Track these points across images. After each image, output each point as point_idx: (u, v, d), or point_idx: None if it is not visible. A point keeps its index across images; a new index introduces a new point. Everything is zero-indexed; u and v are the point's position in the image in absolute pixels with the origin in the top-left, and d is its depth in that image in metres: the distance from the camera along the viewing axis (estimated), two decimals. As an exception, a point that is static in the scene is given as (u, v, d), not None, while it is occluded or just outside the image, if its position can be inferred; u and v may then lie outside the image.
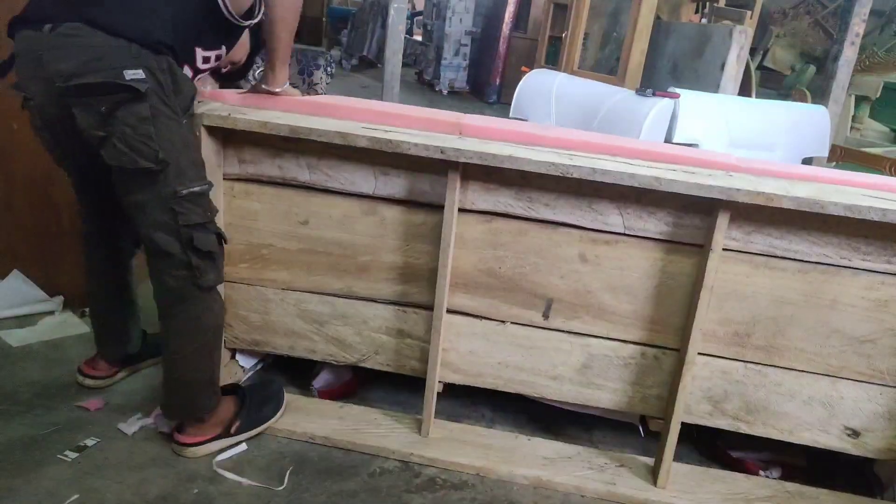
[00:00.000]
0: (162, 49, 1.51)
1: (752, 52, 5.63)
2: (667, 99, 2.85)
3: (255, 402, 1.86)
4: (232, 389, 1.89)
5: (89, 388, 1.98)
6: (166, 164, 1.53)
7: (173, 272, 1.61)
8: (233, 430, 1.80)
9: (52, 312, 2.35)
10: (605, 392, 1.88)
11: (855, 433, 1.80)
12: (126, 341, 2.02)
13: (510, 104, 3.77)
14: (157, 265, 1.62)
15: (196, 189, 1.58)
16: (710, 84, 3.90)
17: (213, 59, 1.70)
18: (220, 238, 1.64)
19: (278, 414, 1.88)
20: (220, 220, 1.86)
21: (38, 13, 1.51)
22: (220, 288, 1.74)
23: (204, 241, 1.59)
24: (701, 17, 5.47)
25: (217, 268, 1.64)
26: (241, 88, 2.06)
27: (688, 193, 1.59)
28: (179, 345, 1.68)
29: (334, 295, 1.92)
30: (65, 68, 1.46)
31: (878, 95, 5.05)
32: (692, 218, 1.70)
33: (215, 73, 1.97)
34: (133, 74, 1.46)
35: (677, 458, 1.84)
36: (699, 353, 1.76)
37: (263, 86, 1.83)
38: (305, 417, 1.93)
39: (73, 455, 1.72)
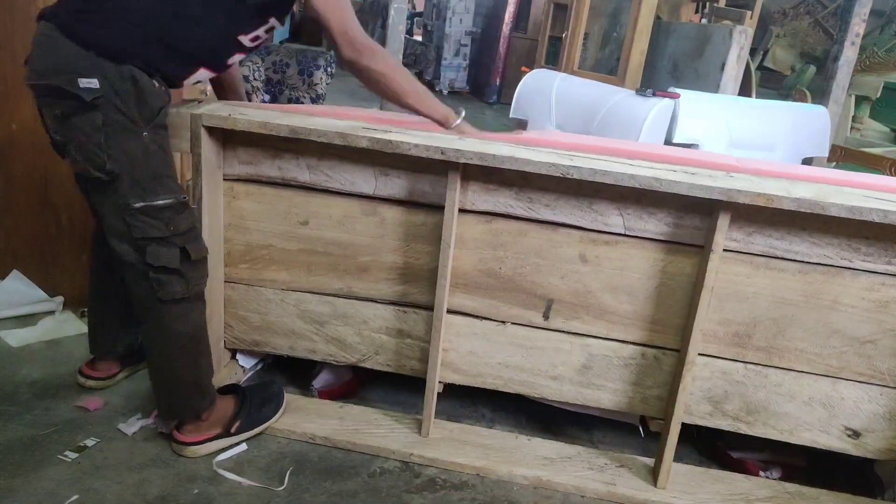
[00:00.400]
0: (126, 58, 1.48)
1: (753, 52, 5.63)
2: (667, 99, 2.85)
3: (255, 403, 1.85)
4: (232, 389, 1.89)
5: (91, 388, 1.98)
6: (116, 176, 1.52)
7: (137, 281, 1.61)
8: (233, 429, 1.80)
9: (52, 312, 2.34)
10: (606, 392, 1.88)
11: (855, 434, 1.80)
12: (122, 341, 2.01)
13: (510, 104, 3.76)
14: (123, 273, 1.63)
15: (157, 203, 1.55)
16: (710, 84, 3.90)
17: (262, 34, 1.67)
18: (186, 252, 1.60)
19: (278, 414, 1.88)
20: (220, 221, 1.87)
21: (50, 8, 1.54)
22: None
23: (157, 254, 1.56)
24: (701, 17, 5.47)
25: (185, 280, 1.61)
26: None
27: (688, 194, 1.59)
28: (153, 350, 1.70)
29: (334, 295, 1.92)
30: (37, 67, 1.50)
31: (878, 95, 5.05)
32: (692, 218, 1.70)
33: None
34: (87, 83, 1.45)
35: (677, 458, 1.84)
36: (699, 354, 1.76)
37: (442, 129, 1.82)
38: (305, 417, 1.93)
39: (73, 455, 1.72)
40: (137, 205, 1.54)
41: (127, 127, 1.51)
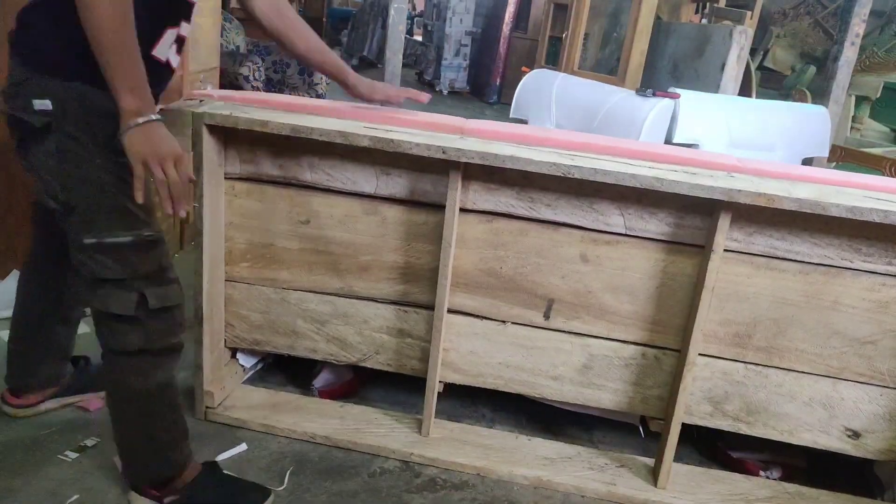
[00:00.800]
0: (72, 74, 1.30)
1: (753, 52, 5.63)
2: (667, 99, 2.85)
3: (212, 494, 1.59)
4: (211, 466, 1.68)
5: (11, 416, 1.83)
6: (70, 207, 1.35)
7: (98, 325, 1.44)
8: (167, 501, 1.56)
9: (52, 312, 2.34)
10: (606, 392, 1.88)
11: (855, 434, 1.80)
12: (42, 372, 1.82)
13: (510, 104, 3.77)
14: (92, 312, 1.46)
15: (110, 240, 1.35)
16: (710, 84, 3.90)
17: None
18: (143, 300, 1.38)
19: None
20: (221, 219, 1.86)
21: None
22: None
23: (107, 299, 1.38)
24: (701, 18, 5.47)
25: (144, 330, 1.41)
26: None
27: (689, 194, 1.59)
28: (113, 407, 1.52)
29: (335, 294, 1.92)
30: (5, 83, 1.37)
31: (878, 96, 5.05)
32: (693, 219, 1.70)
33: None
34: (40, 105, 1.30)
35: (677, 458, 1.84)
36: (700, 354, 1.76)
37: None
38: (306, 417, 1.93)
39: (73, 455, 1.72)
40: (89, 241, 1.36)
41: (80, 153, 1.32)
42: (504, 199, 1.76)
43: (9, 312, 2.27)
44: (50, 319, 1.77)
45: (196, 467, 1.60)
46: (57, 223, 1.44)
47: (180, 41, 1.47)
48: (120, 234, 1.36)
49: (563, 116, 3.38)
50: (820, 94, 4.16)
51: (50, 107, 1.30)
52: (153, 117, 1.27)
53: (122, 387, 1.48)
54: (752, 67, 4.50)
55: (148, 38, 1.34)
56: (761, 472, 1.93)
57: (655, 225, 1.73)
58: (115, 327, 1.41)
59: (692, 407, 1.83)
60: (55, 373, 1.85)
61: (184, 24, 1.44)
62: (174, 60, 1.46)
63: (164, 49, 1.41)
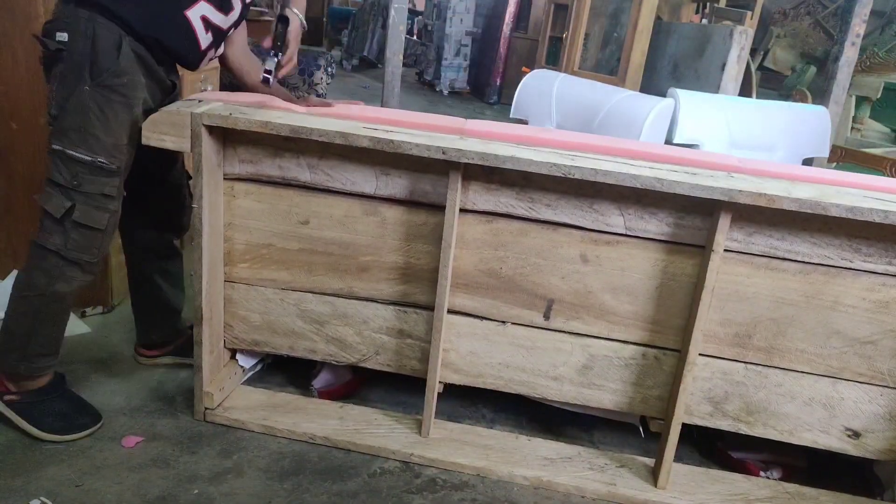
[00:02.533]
0: (99, 16, 1.59)
1: (753, 52, 5.62)
2: (667, 99, 2.85)
3: (51, 405, 1.79)
4: (60, 379, 1.87)
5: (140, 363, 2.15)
6: (55, 119, 1.62)
7: (41, 219, 1.67)
8: (7, 398, 1.77)
9: (52, 312, 2.34)
10: (606, 393, 1.88)
11: (855, 434, 1.80)
12: (156, 331, 2.14)
13: (510, 104, 3.76)
14: None
15: (72, 153, 1.61)
16: (710, 85, 3.90)
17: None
18: (70, 211, 1.63)
19: (53, 436, 1.76)
20: (220, 220, 1.86)
21: None
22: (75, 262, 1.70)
23: (47, 197, 1.63)
24: (701, 18, 5.47)
25: (64, 236, 1.64)
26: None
27: (689, 194, 1.59)
28: (13, 287, 1.73)
29: (335, 295, 1.92)
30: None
31: (878, 96, 5.05)
32: (693, 219, 1.70)
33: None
34: (60, 37, 1.59)
35: (678, 458, 1.84)
36: (700, 354, 1.76)
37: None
38: (305, 417, 1.93)
39: (73, 455, 1.71)
40: (55, 147, 1.62)
41: (76, 79, 1.59)
42: (504, 200, 1.76)
43: (8, 313, 2.28)
44: (149, 274, 2.07)
45: (47, 377, 1.81)
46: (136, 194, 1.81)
47: (214, 29, 1.77)
48: (81, 151, 1.62)
49: (564, 117, 3.38)
50: (820, 94, 4.15)
51: (66, 39, 1.58)
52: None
53: (28, 276, 1.69)
54: (753, 68, 4.50)
55: None
56: (761, 473, 1.93)
57: (655, 225, 1.73)
58: (45, 224, 1.65)
59: (692, 407, 1.83)
60: (168, 330, 2.15)
61: (208, 7, 1.73)
62: (203, 41, 1.77)
63: (197, 19, 1.72)
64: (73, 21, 1.58)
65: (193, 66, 1.82)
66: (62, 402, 1.81)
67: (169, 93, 1.83)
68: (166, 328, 2.15)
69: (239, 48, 2.00)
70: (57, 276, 1.67)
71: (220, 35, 1.81)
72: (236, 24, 1.87)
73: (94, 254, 1.70)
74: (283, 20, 1.79)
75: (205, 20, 1.73)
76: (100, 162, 1.63)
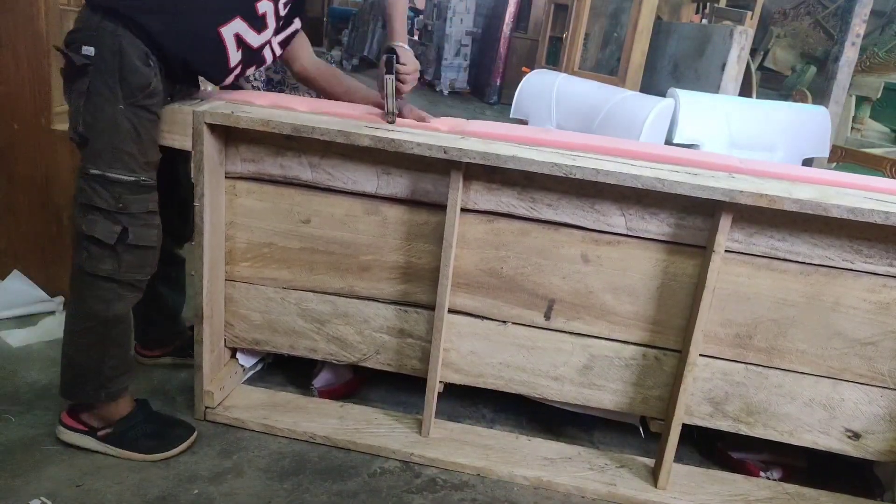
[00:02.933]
0: (125, 29, 1.54)
1: (753, 52, 5.62)
2: (667, 99, 2.85)
3: (142, 429, 1.77)
4: (142, 403, 1.83)
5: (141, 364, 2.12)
6: (85, 140, 1.57)
7: (76, 247, 1.63)
8: (100, 433, 1.74)
9: (52, 313, 2.34)
10: (606, 393, 1.88)
11: (855, 435, 1.80)
12: (151, 332, 2.11)
13: (511, 104, 3.76)
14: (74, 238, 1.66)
15: (110, 175, 1.57)
16: (710, 85, 3.90)
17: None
18: (126, 233, 1.59)
19: (154, 456, 1.74)
20: (222, 218, 1.86)
21: None
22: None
23: (94, 224, 1.58)
24: (701, 18, 5.47)
25: (117, 260, 1.60)
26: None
27: (690, 195, 1.59)
28: (67, 321, 1.70)
29: (335, 294, 1.91)
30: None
31: (878, 96, 5.05)
32: (694, 219, 1.70)
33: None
34: (86, 51, 1.53)
35: (678, 459, 1.84)
36: (700, 355, 1.76)
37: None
38: (306, 417, 1.93)
39: (73, 455, 1.71)
40: (92, 171, 1.57)
41: (106, 97, 1.55)
42: (505, 200, 1.76)
43: (9, 313, 2.29)
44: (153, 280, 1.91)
45: (130, 403, 1.78)
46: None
47: (245, 47, 1.72)
48: (119, 171, 1.57)
49: (564, 117, 3.38)
50: (820, 94, 4.15)
51: (93, 53, 1.53)
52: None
53: (84, 306, 1.65)
54: (753, 67, 4.50)
55: (216, 12, 1.64)
56: (761, 473, 1.93)
57: (656, 225, 1.73)
58: (92, 251, 1.59)
59: (692, 407, 1.83)
60: (168, 331, 2.15)
61: (243, 25, 1.68)
62: (233, 59, 1.72)
63: (230, 36, 1.67)
64: (100, 34, 1.53)
65: (219, 82, 1.80)
66: (152, 423, 1.79)
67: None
68: (166, 329, 2.15)
69: (308, 61, 2.03)
70: (113, 300, 1.64)
71: (250, 53, 1.76)
72: (284, 42, 1.89)
73: (146, 272, 1.68)
74: (390, 50, 1.78)
75: (238, 38, 1.69)
76: (142, 181, 1.61)
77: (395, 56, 1.77)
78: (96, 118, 1.55)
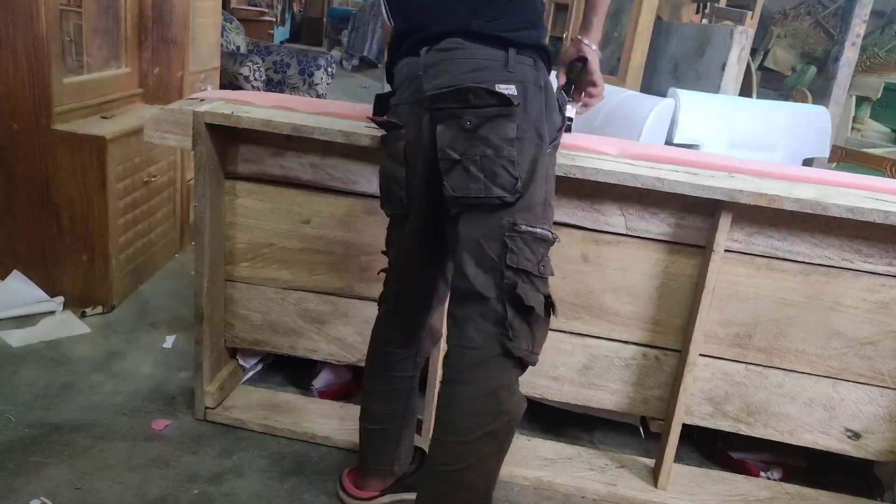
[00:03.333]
0: (538, 60, 1.33)
1: (753, 52, 5.62)
2: (667, 99, 2.85)
3: None
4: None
5: None
6: (520, 196, 1.27)
7: (481, 322, 1.28)
8: None
9: (52, 313, 2.34)
10: (606, 393, 1.88)
11: (855, 435, 1.80)
12: (399, 458, 1.66)
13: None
14: (464, 312, 1.30)
15: (537, 230, 1.29)
16: (710, 85, 3.90)
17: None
18: (549, 306, 1.30)
19: None
20: (222, 219, 1.86)
21: (416, 42, 1.36)
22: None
23: (527, 292, 1.26)
24: (702, 18, 5.46)
25: (533, 338, 1.29)
26: None
27: (691, 194, 1.59)
28: (463, 425, 1.29)
29: (335, 294, 1.92)
30: (440, 82, 1.29)
31: (879, 96, 5.05)
32: (694, 219, 1.70)
33: None
34: (506, 89, 1.26)
35: (678, 459, 1.84)
36: (700, 355, 1.76)
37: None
38: (306, 417, 1.93)
39: (73, 455, 1.71)
40: (523, 227, 1.27)
41: (536, 142, 1.29)
42: (505, 200, 1.76)
43: (9, 313, 2.29)
44: (409, 389, 1.61)
45: None
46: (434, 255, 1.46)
47: None
48: (544, 227, 1.31)
49: (564, 117, 3.37)
50: (820, 94, 4.16)
51: (515, 91, 1.26)
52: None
53: (490, 402, 1.28)
54: (753, 68, 4.51)
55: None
56: (761, 473, 1.93)
57: (656, 225, 1.73)
58: (516, 324, 1.27)
59: (692, 407, 1.83)
60: (402, 454, 1.67)
61: None
62: None
63: None
64: (515, 70, 1.29)
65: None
66: None
67: None
68: (404, 447, 1.68)
69: None
70: (515, 389, 1.32)
71: None
72: None
73: (540, 348, 1.34)
74: (583, 59, 1.51)
75: None
76: (555, 238, 1.34)
77: (584, 63, 1.50)
78: (530, 168, 1.28)
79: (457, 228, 1.31)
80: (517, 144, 1.26)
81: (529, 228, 1.27)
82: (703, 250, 1.71)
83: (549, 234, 1.31)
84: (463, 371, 1.30)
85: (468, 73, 1.27)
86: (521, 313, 1.27)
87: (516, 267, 1.26)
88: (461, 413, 1.30)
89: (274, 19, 6.20)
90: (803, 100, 4.88)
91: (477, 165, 1.26)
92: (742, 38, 3.78)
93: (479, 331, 1.28)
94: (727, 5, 4.89)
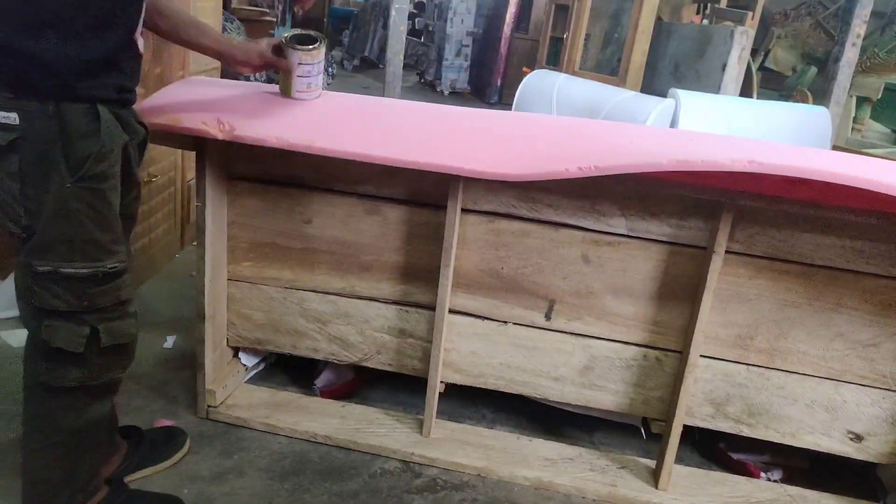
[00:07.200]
0: (46, 87, 1.18)
1: (754, 53, 5.62)
2: (668, 100, 2.85)
3: (150, 444, 1.66)
4: (128, 433, 1.69)
5: None
6: (32, 232, 1.23)
7: (31, 352, 1.34)
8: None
9: (52, 311, 2.34)
10: (607, 394, 1.88)
11: (857, 437, 1.80)
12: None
13: (511, 105, 3.77)
14: (27, 341, 1.36)
15: (67, 270, 1.24)
16: (711, 85, 3.90)
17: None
18: (95, 336, 1.29)
19: (169, 460, 1.67)
20: (224, 218, 1.86)
21: None
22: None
23: (54, 332, 1.26)
24: (702, 19, 5.47)
25: (86, 368, 1.30)
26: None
27: (692, 195, 1.59)
28: (27, 437, 1.39)
29: (337, 294, 1.91)
30: None
31: (879, 97, 5.05)
32: (695, 220, 1.70)
33: None
34: (3, 118, 1.16)
35: (679, 460, 1.84)
36: (701, 356, 1.76)
37: None
38: (307, 416, 1.93)
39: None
40: (41, 269, 1.24)
41: (48, 176, 1.20)
42: (506, 200, 1.76)
43: (9, 312, 2.28)
44: None
45: (103, 489, 1.50)
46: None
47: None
48: (79, 264, 1.25)
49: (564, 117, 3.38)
50: (821, 94, 4.16)
51: (16, 121, 1.17)
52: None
53: (47, 423, 1.35)
54: (753, 68, 4.51)
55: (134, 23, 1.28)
56: (762, 474, 1.93)
57: (657, 226, 1.73)
58: (53, 361, 1.29)
59: (693, 409, 1.83)
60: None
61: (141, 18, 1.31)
62: (143, 52, 1.36)
63: (139, 37, 1.31)
64: (15, 97, 1.17)
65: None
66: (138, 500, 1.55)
67: (144, 139, 1.43)
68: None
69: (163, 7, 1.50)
70: (85, 409, 1.37)
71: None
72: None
73: (125, 366, 1.39)
74: None
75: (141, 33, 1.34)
76: (108, 269, 1.28)
77: None
78: (39, 204, 1.21)
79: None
80: (22, 177, 1.19)
81: (55, 269, 1.24)
82: (704, 251, 1.71)
83: (88, 270, 1.25)
84: (24, 393, 1.38)
85: None
86: (55, 353, 1.28)
87: (45, 308, 1.25)
88: (24, 427, 1.40)
89: (275, 19, 6.19)
90: (804, 100, 4.88)
91: None
92: (742, 38, 3.79)
93: (31, 362, 1.34)
94: (728, 6, 4.90)
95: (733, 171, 1.40)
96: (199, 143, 1.70)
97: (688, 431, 1.83)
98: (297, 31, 1.62)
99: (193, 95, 1.71)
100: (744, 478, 1.90)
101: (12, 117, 1.16)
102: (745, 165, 1.39)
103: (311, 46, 1.60)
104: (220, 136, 1.59)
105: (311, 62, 1.62)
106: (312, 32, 1.63)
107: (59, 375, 1.31)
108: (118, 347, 1.34)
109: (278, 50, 1.59)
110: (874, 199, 1.46)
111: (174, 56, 2.88)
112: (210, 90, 1.78)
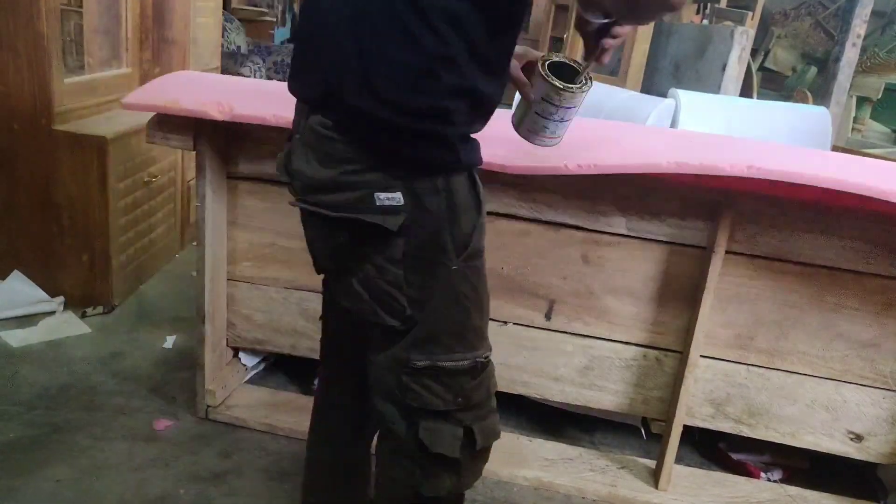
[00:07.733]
0: (437, 159, 1.02)
1: (754, 53, 5.62)
2: (668, 100, 2.84)
3: None
4: None
5: None
6: (413, 324, 1.07)
7: (397, 459, 1.16)
8: None
9: (52, 313, 2.34)
10: (607, 394, 1.87)
11: (858, 437, 1.80)
12: None
13: (511, 105, 3.77)
14: (384, 443, 1.20)
15: (448, 364, 1.08)
16: (711, 85, 3.90)
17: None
18: (471, 435, 1.11)
19: None
20: (224, 218, 1.86)
21: (301, 88, 1.14)
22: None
23: (434, 435, 1.09)
24: (702, 19, 5.46)
25: (458, 475, 1.13)
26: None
27: (692, 195, 1.59)
28: None
29: (336, 295, 1.91)
30: (304, 170, 1.07)
31: (879, 97, 5.04)
32: (695, 220, 1.70)
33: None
34: (387, 199, 1.00)
35: (679, 460, 1.84)
36: (701, 356, 1.76)
37: None
38: (307, 416, 1.92)
39: (73, 455, 1.71)
40: (421, 364, 1.07)
41: (434, 259, 1.05)
42: (506, 200, 1.76)
43: (10, 313, 2.29)
44: (350, 469, 1.42)
45: None
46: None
47: None
48: (459, 356, 1.09)
49: (565, 117, 3.37)
50: (821, 94, 4.15)
51: (401, 201, 1.00)
52: None
53: None
54: (753, 68, 4.50)
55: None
56: (762, 475, 1.93)
57: (657, 226, 1.72)
58: (428, 468, 1.12)
59: (694, 409, 1.82)
60: None
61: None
62: None
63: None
64: (402, 176, 1.01)
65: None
66: None
67: None
68: None
69: None
70: None
71: None
72: None
73: (481, 472, 1.19)
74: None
75: None
76: (482, 358, 1.12)
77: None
78: (425, 290, 1.06)
79: (355, 335, 1.17)
80: (406, 265, 1.04)
81: (430, 364, 1.07)
82: (704, 251, 1.71)
83: (467, 362, 1.09)
84: (386, 501, 1.22)
85: (341, 170, 1.02)
86: (430, 459, 1.11)
87: (422, 407, 1.09)
88: None
89: (275, 19, 6.19)
90: (804, 100, 4.87)
91: (361, 283, 1.07)
92: (742, 38, 3.78)
93: (397, 467, 1.16)
94: (728, 6, 4.89)
95: (732, 175, 1.40)
96: (198, 142, 1.70)
97: (688, 431, 1.83)
98: (563, 57, 1.20)
99: (193, 83, 1.72)
100: (744, 478, 1.90)
101: (396, 198, 1.00)
102: (744, 171, 1.40)
103: (571, 86, 1.15)
104: (219, 118, 1.58)
105: (560, 105, 1.18)
106: (581, 64, 1.19)
107: (435, 485, 1.13)
108: (483, 452, 1.16)
109: (529, 65, 1.22)
110: (874, 200, 1.45)
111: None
112: (210, 80, 1.79)
